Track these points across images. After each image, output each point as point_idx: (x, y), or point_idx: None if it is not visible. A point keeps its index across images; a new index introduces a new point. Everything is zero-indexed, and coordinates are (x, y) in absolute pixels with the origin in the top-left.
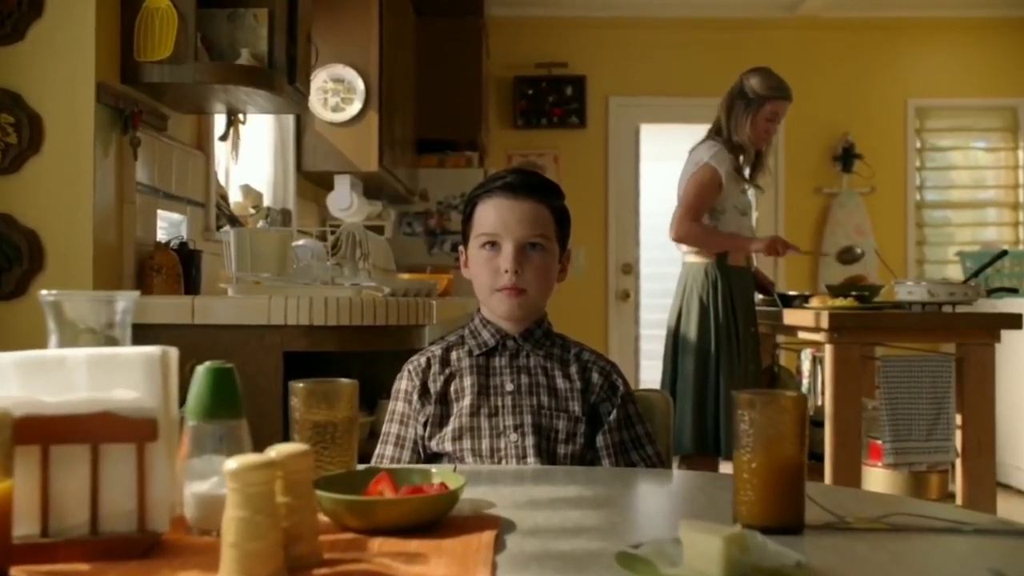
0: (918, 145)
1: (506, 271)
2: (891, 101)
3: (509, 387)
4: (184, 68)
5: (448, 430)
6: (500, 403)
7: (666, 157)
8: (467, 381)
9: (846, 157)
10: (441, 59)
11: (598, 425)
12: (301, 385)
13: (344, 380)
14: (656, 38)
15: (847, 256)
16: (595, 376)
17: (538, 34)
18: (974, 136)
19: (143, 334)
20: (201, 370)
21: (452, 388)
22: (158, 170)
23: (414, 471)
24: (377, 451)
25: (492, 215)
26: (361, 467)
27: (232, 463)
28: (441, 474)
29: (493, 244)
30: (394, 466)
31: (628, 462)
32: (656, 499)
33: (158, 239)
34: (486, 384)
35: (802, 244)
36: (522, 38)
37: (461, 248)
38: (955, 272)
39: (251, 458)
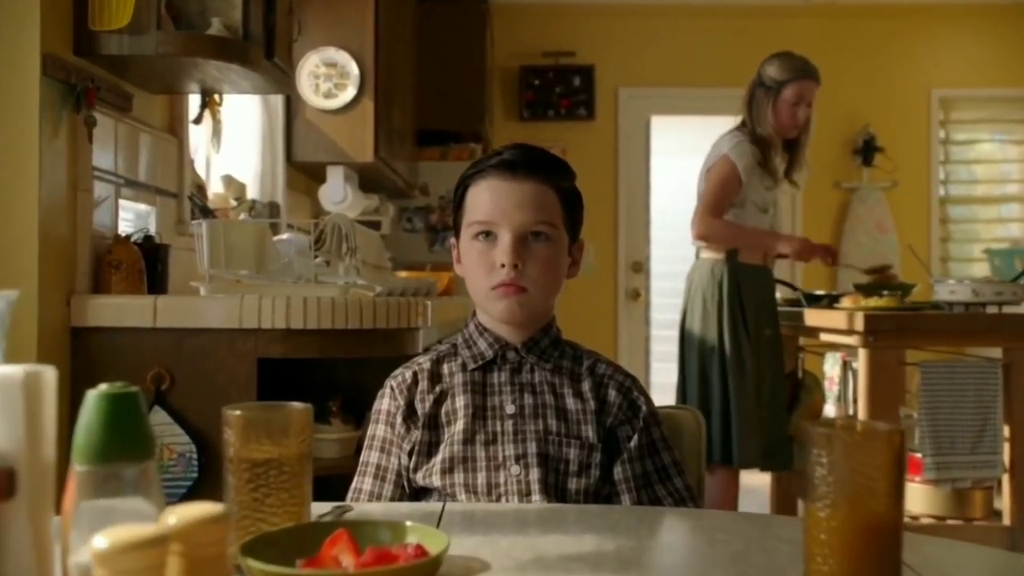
0: (942, 137)
1: (503, 265)
2: (914, 91)
3: (510, 409)
4: (145, 39)
5: (437, 460)
6: (499, 428)
7: (678, 151)
8: (460, 401)
9: (867, 150)
10: (443, 46)
11: (616, 453)
12: (237, 413)
13: (295, 405)
14: (668, 26)
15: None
16: (612, 394)
17: (544, 22)
18: (1002, 128)
19: (97, 339)
20: (93, 396)
21: (443, 410)
22: (121, 155)
23: (382, 526)
24: (354, 484)
25: (486, 199)
26: (323, 509)
27: (100, 541)
28: (419, 531)
29: (488, 234)
30: (360, 513)
31: (653, 498)
32: (697, 556)
33: (121, 232)
34: (482, 405)
35: (821, 241)
36: (528, 26)
37: (452, 241)
38: (982, 270)
39: (128, 533)
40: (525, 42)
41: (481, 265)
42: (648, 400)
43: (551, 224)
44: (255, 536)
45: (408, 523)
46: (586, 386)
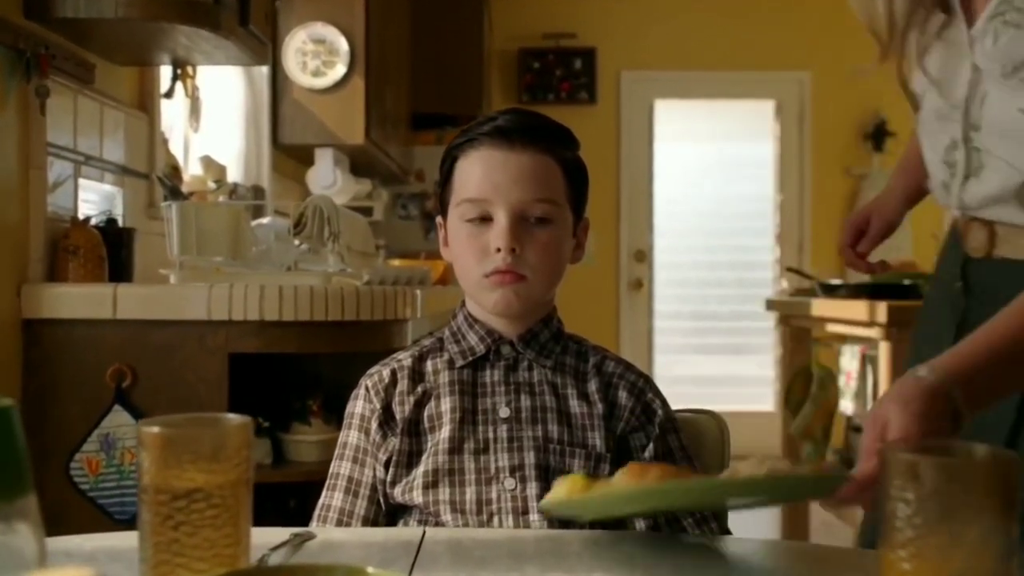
0: None
1: (498, 250)
2: None
3: (504, 412)
4: (104, 1)
5: (418, 473)
6: (491, 435)
7: (682, 136)
8: (446, 404)
9: (877, 135)
10: (439, 26)
11: (626, 460)
12: (155, 430)
13: (230, 419)
14: (672, 7)
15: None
16: (623, 396)
17: (544, 2)
18: None
19: (51, 332)
20: None
21: (425, 413)
22: (81, 130)
23: (338, 571)
24: (322, 500)
25: (477, 173)
26: (279, 536)
27: None
28: None
29: (480, 215)
30: (323, 545)
31: (671, 518)
32: None
33: (82, 215)
34: (472, 408)
35: (831, 230)
36: (527, 6)
37: (439, 220)
38: None
39: None
40: (524, 23)
41: (472, 249)
42: (664, 403)
43: (553, 202)
44: None
45: (370, 570)
46: (593, 386)
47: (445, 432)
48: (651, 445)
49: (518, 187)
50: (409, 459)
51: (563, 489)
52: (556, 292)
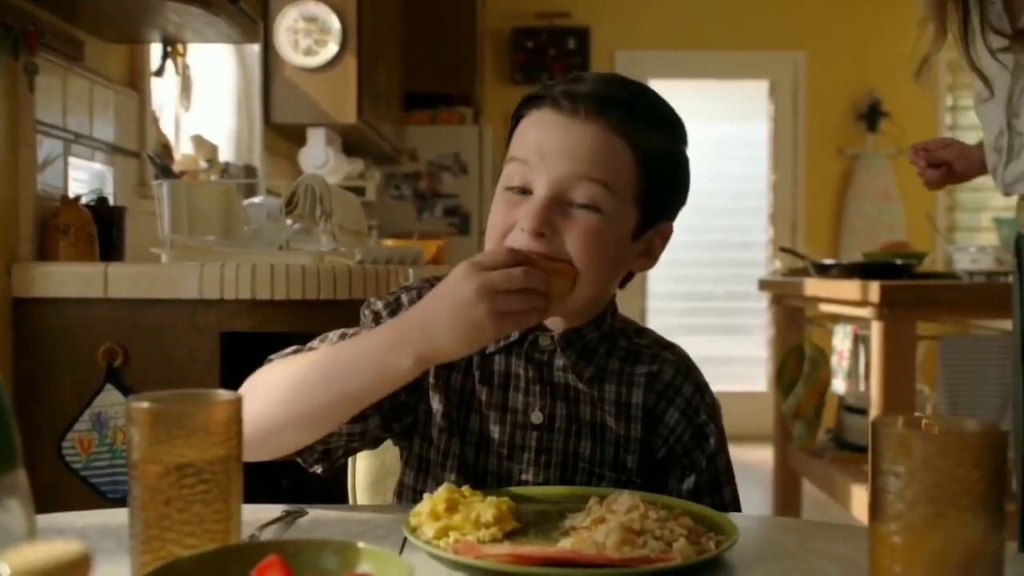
0: (950, 103)
1: (522, 230)
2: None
3: (536, 418)
4: None
5: (435, 446)
6: (520, 440)
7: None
8: (472, 388)
9: (871, 115)
10: (432, 5)
11: (662, 485)
12: (144, 405)
13: (220, 394)
14: None
15: None
16: (674, 416)
17: None
18: None
19: (42, 311)
20: None
21: (446, 381)
22: (71, 108)
23: (328, 549)
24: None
25: (530, 135)
26: (271, 512)
27: None
28: (375, 556)
29: (522, 184)
30: (313, 522)
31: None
32: None
33: (72, 193)
34: (502, 403)
35: (824, 210)
36: None
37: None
38: (989, 240)
39: None
40: (517, 2)
41: (499, 223)
42: (719, 427)
43: (605, 185)
44: (165, 564)
45: (361, 545)
46: (637, 397)
47: (474, 424)
48: (694, 477)
49: (566, 160)
50: (416, 424)
51: (426, 509)
52: (612, 291)
